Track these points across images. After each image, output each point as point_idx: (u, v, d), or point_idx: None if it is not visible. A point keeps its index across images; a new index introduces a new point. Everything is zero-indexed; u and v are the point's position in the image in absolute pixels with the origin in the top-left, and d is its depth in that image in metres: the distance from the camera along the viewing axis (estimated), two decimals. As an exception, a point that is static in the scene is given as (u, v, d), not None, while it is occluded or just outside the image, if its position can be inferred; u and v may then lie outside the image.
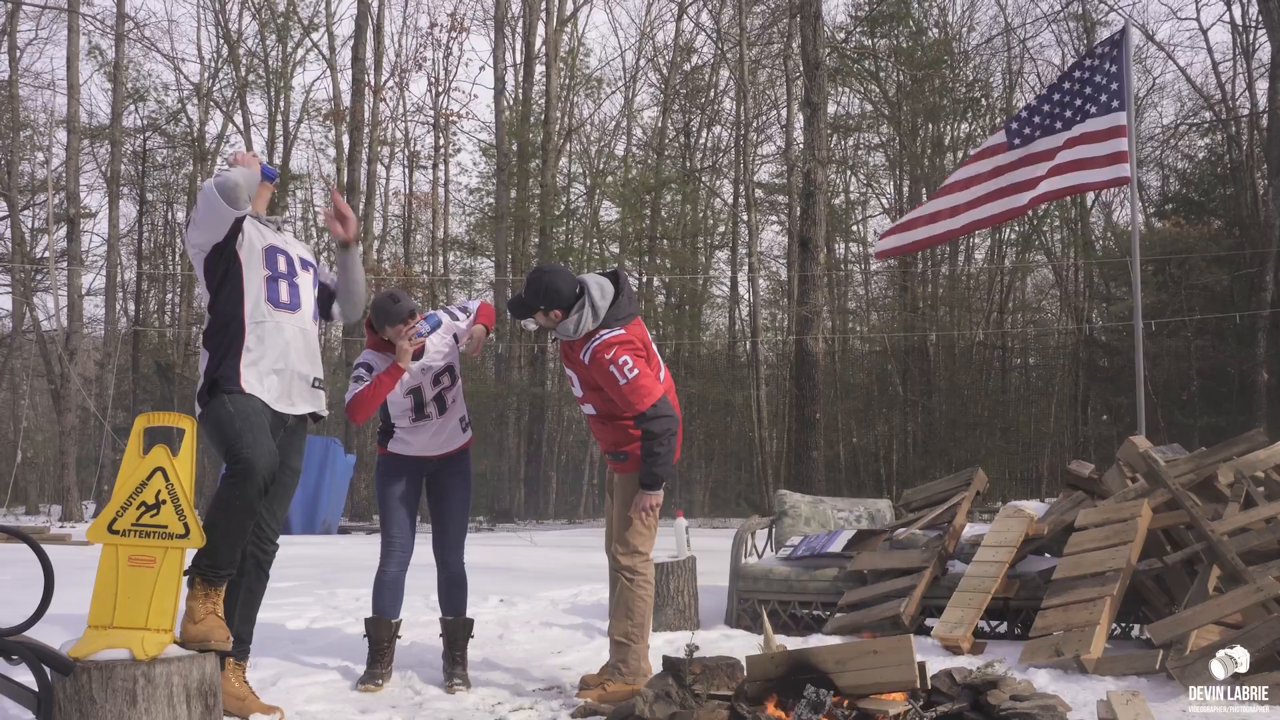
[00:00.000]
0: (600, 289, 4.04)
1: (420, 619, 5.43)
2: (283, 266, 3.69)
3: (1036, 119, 7.28)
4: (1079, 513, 5.17)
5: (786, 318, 24.05)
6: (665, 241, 26.64)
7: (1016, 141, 7.36)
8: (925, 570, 5.39)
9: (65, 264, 21.10)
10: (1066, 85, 7.20)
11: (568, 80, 26.51)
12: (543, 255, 23.47)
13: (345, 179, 24.07)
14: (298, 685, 4.22)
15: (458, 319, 4.52)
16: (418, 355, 4.33)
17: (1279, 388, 17.99)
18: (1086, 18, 23.33)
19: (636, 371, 3.94)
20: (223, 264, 3.59)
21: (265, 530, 3.72)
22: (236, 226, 3.58)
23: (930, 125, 25.38)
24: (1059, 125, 7.16)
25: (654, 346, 4.25)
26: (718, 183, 28.10)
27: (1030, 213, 23.34)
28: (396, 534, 4.39)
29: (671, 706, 3.27)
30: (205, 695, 3.11)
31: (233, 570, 3.47)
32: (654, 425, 3.95)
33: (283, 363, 3.61)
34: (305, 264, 3.82)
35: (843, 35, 24.63)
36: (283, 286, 3.66)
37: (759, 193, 26.03)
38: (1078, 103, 7.08)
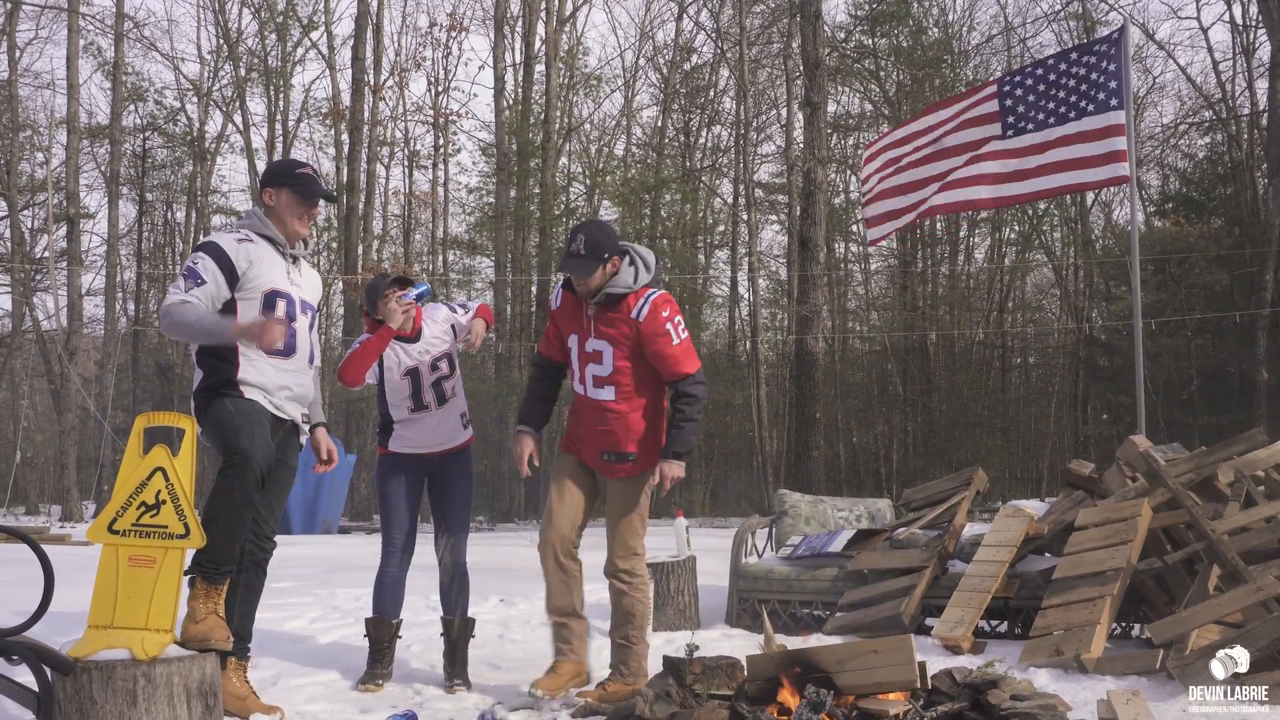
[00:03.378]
0: (637, 248, 4.01)
1: (420, 619, 5.43)
2: (280, 311, 3.61)
3: (1032, 112, 7.24)
4: (1079, 512, 5.17)
5: (786, 317, 24.02)
6: (665, 241, 26.59)
7: (1010, 133, 7.33)
8: (925, 570, 5.39)
9: (65, 264, 21.10)
10: (1065, 79, 7.14)
11: (567, 80, 26.48)
12: (543, 255, 23.44)
13: (345, 178, 24.05)
14: (298, 685, 4.23)
15: (456, 312, 4.53)
16: (413, 338, 4.32)
17: (1279, 387, 17.98)
18: (1087, 17, 23.29)
19: (687, 334, 3.94)
20: None
21: (263, 528, 3.72)
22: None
23: (930, 124, 25.32)
24: (1053, 120, 7.12)
25: None
26: (717, 182, 28.08)
27: (1030, 211, 23.43)
28: (397, 534, 4.39)
29: (671, 706, 3.27)
30: (205, 695, 3.11)
31: (233, 567, 3.47)
32: (696, 389, 3.89)
33: (268, 398, 3.61)
34: (305, 307, 3.73)
35: (843, 34, 24.62)
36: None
37: (759, 192, 26.00)
38: (1074, 99, 7.04)
